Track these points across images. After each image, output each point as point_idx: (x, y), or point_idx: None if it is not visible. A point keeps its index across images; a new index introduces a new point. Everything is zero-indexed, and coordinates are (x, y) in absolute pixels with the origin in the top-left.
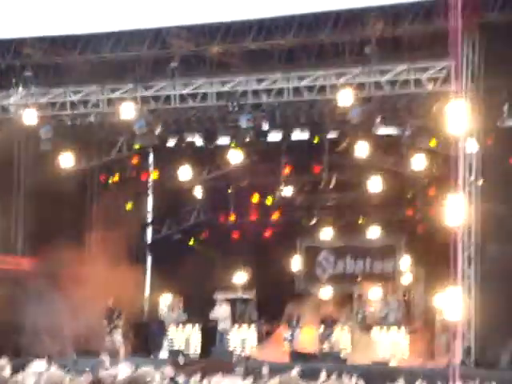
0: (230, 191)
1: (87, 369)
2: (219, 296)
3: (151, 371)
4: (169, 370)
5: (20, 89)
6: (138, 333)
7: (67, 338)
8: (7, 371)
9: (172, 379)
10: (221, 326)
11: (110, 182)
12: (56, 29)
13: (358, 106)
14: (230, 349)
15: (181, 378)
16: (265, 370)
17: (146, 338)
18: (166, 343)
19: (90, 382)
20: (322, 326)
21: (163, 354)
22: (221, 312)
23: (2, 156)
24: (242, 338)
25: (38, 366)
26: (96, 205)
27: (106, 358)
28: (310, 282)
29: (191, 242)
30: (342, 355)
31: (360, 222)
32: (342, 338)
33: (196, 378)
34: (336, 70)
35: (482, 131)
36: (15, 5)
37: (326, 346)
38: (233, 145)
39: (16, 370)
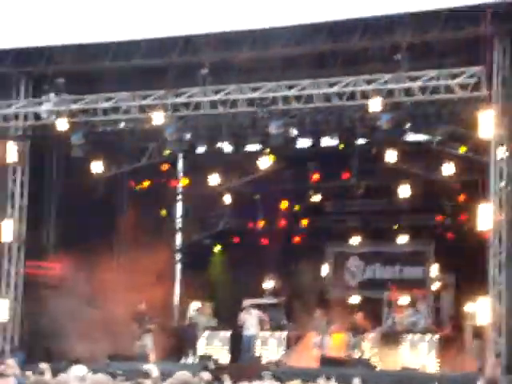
0: (258, 197)
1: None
2: (247, 302)
3: (189, 376)
4: (206, 375)
5: (52, 96)
6: (169, 338)
7: (98, 342)
8: (48, 375)
9: (211, 382)
10: (248, 332)
11: (139, 188)
12: (87, 36)
13: (387, 112)
14: (258, 354)
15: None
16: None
17: (177, 343)
18: (197, 349)
19: None
20: (351, 333)
21: (191, 359)
22: (248, 318)
23: (34, 162)
24: (271, 343)
25: (78, 369)
26: (125, 211)
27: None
28: (339, 288)
29: (220, 248)
30: (371, 362)
31: (389, 228)
32: (371, 344)
33: (228, 382)
34: (366, 77)
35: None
36: (47, 12)
37: (355, 353)
38: (262, 151)
39: (54, 374)
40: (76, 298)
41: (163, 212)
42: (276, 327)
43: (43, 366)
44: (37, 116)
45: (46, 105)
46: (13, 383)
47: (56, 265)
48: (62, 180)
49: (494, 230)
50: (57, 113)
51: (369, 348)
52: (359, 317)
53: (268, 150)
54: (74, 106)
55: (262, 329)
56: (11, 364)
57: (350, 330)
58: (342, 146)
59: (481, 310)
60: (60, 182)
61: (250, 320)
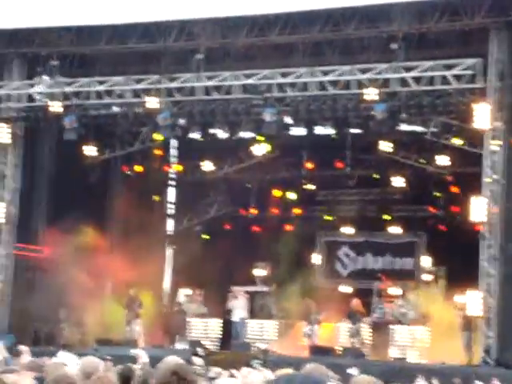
0: (251, 185)
1: (108, 357)
2: (237, 288)
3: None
4: (198, 361)
5: (46, 78)
6: (158, 323)
7: (87, 327)
8: (27, 358)
9: (202, 367)
10: (236, 317)
11: (132, 172)
12: (83, 19)
13: (382, 102)
14: (249, 341)
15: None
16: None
17: (167, 329)
18: (186, 335)
19: (123, 369)
20: (350, 321)
21: (180, 345)
22: (237, 303)
23: (27, 145)
24: (260, 332)
25: (64, 356)
26: (118, 195)
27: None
28: (330, 277)
29: (212, 235)
30: (363, 351)
31: (381, 218)
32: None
33: (217, 369)
34: (361, 66)
35: (507, 130)
36: None
37: (355, 341)
38: (256, 138)
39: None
40: (65, 281)
41: (155, 197)
42: (266, 315)
43: (22, 348)
44: (30, 98)
45: (40, 87)
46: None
47: (45, 248)
48: (55, 163)
49: (487, 222)
50: (50, 95)
51: (367, 335)
52: (355, 303)
53: (262, 138)
54: (68, 89)
55: (251, 316)
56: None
57: (348, 318)
58: (335, 135)
59: (471, 302)
60: (52, 165)
61: (238, 305)
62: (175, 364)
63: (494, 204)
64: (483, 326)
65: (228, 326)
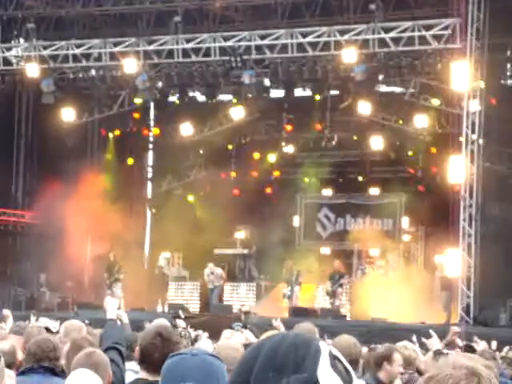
0: (231, 148)
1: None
2: (218, 251)
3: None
4: (182, 323)
5: (22, 41)
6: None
7: (68, 290)
8: (10, 322)
9: (185, 329)
10: (211, 285)
11: (111, 136)
12: None
13: (361, 63)
14: (229, 304)
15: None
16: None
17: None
18: (167, 298)
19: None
20: (330, 282)
21: (160, 308)
22: (211, 276)
23: (4, 109)
24: (241, 294)
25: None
26: (97, 159)
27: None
28: (310, 239)
29: (192, 198)
30: (342, 311)
31: (361, 179)
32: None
33: (198, 331)
34: (340, 27)
35: (485, 90)
36: None
37: (335, 302)
38: (235, 101)
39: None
40: (45, 245)
41: (130, 160)
42: (247, 277)
43: (6, 312)
44: (6, 61)
45: (16, 50)
46: None
47: (25, 212)
48: (32, 127)
49: (465, 183)
50: (27, 58)
51: (348, 294)
52: (337, 265)
53: (241, 100)
54: (45, 52)
55: (232, 279)
56: None
57: (329, 279)
58: (314, 96)
59: (450, 262)
60: (30, 129)
61: (212, 277)
62: (160, 325)
63: (472, 164)
64: (462, 286)
65: (207, 290)
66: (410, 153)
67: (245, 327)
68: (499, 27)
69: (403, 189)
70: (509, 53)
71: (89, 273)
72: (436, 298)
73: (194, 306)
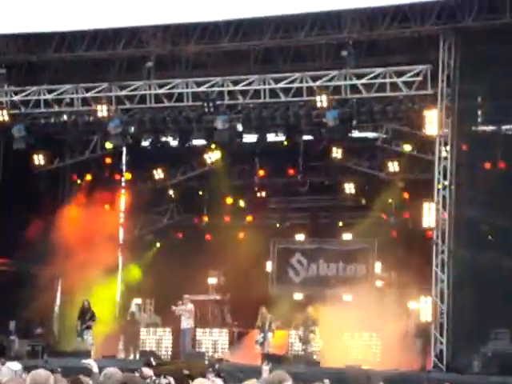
0: (204, 192)
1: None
2: (187, 296)
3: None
4: (147, 371)
5: None
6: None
7: (38, 338)
8: None
9: (152, 379)
10: (184, 325)
11: (82, 181)
12: (30, 26)
13: (334, 108)
14: (202, 351)
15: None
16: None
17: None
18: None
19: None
20: (302, 328)
21: (132, 355)
22: (185, 310)
23: None
24: (214, 340)
25: (13, 365)
26: (68, 204)
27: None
28: (283, 284)
29: (164, 243)
30: (315, 358)
31: (333, 225)
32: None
33: (170, 380)
34: (312, 73)
35: (457, 136)
36: None
37: (307, 348)
38: (208, 146)
39: None
40: (14, 292)
41: (102, 205)
42: (220, 323)
43: None
44: None
45: None
46: None
47: None
48: (3, 173)
49: (438, 228)
50: None
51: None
52: (310, 310)
53: (214, 145)
54: (16, 98)
55: (205, 325)
56: None
57: (302, 325)
58: (287, 142)
59: (423, 308)
60: (0, 174)
61: (185, 313)
62: (124, 376)
63: (445, 210)
64: (435, 332)
65: (180, 336)
66: (382, 198)
67: (218, 375)
68: (470, 74)
69: (376, 234)
70: (479, 99)
71: (59, 319)
72: (411, 345)
73: (166, 353)
